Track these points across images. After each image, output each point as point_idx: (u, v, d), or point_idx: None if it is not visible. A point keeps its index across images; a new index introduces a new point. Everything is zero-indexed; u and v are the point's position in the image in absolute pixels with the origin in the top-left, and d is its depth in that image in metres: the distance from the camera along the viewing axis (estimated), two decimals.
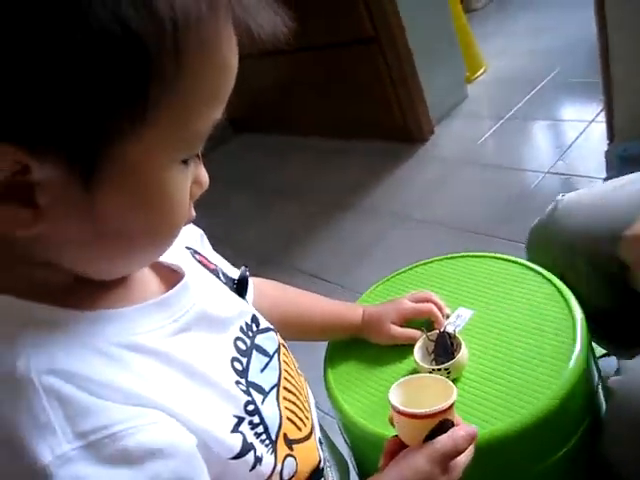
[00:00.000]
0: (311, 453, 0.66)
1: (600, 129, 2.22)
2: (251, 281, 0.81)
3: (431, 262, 1.04)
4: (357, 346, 0.92)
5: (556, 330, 0.79)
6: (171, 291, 0.54)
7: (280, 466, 0.58)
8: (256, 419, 0.56)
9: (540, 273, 0.90)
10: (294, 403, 0.65)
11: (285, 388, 0.64)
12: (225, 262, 0.75)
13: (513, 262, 0.94)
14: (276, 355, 0.65)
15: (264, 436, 0.57)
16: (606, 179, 1.91)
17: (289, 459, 0.60)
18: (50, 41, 0.34)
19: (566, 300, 0.83)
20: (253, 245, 2.60)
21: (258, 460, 0.54)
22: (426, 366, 0.79)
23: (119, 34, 0.35)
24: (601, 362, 0.89)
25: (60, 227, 0.42)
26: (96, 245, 0.45)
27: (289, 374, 0.67)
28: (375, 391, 0.83)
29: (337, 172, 2.89)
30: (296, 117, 3.40)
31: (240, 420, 0.54)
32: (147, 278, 0.56)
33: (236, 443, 0.52)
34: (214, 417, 0.51)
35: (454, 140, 2.72)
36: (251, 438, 0.54)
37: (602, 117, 2.20)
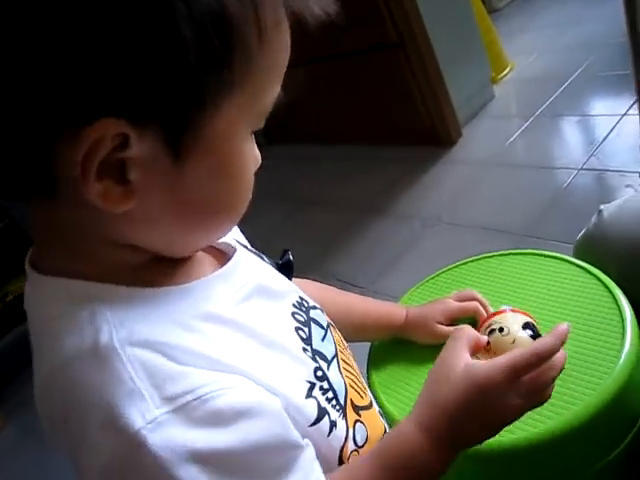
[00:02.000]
0: (376, 420, 0.67)
1: (633, 122, 2.18)
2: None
3: (467, 262, 1.03)
4: (401, 347, 0.91)
5: (605, 327, 0.77)
6: (229, 264, 0.55)
7: (352, 431, 0.59)
8: (325, 384, 0.57)
9: (586, 269, 0.87)
10: (352, 374, 0.65)
11: (342, 360, 0.65)
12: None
13: (557, 259, 0.92)
14: (330, 328, 0.66)
15: (334, 401, 0.57)
16: None
17: (359, 425, 0.61)
18: (150, 10, 0.36)
19: (614, 296, 0.80)
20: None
21: (333, 425, 0.55)
22: None
23: (213, 7, 0.38)
24: None
25: (146, 203, 0.43)
26: (177, 220, 0.46)
27: (342, 348, 0.68)
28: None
29: (367, 178, 2.89)
30: (324, 126, 3.41)
31: (312, 385, 0.55)
32: (202, 257, 0.57)
33: (312, 409, 0.53)
34: (291, 382, 0.52)
35: (483, 141, 2.70)
36: (324, 403, 0.55)
37: (635, 110, 2.16)
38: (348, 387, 0.61)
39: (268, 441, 0.45)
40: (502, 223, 2.09)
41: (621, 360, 0.72)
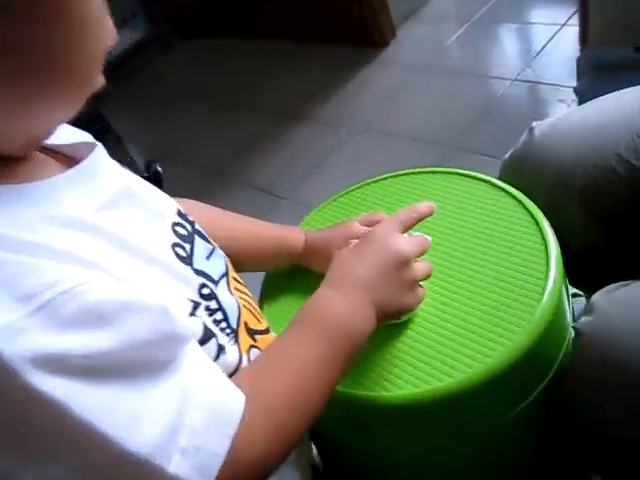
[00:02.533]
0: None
1: (572, 34, 2.07)
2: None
3: (384, 179, 0.90)
4: (298, 277, 0.79)
5: (526, 261, 0.68)
6: (87, 159, 0.47)
7: (246, 357, 0.54)
8: (213, 304, 0.52)
9: (511, 194, 0.76)
10: (247, 294, 0.62)
11: (234, 279, 0.60)
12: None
13: (483, 181, 0.81)
14: (218, 248, 0.61)
15: (224, 324, 0.52)
16: (577, 88, 1.79)
17: (254, 350, 0.56)
18: None
19: (540, 228, 0.70)
20: (201, 159, 2.45)
21: (221, 349, 0.50)
22: None
23: None
24: None
25: None
26: (14, 90, 0.37)
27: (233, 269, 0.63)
28: None
29: (290, 78, 2.70)
30: (244, 18, 3.14)
31: (196, 305, 0.49)
32: (46, 160, 0.48)
33: (197, 327, 0.48)
34: (168, 296, 0.46)
35: (417, 44, 2.53)
36: (210, 325, 0.50)
37: (575, 20, 2.05)
38: (241, 308, 0.56)
39: (151, 338, 0.39)
40: (432, 133, 1.98)
41: (543, 301, 0.63)
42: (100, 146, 0.51)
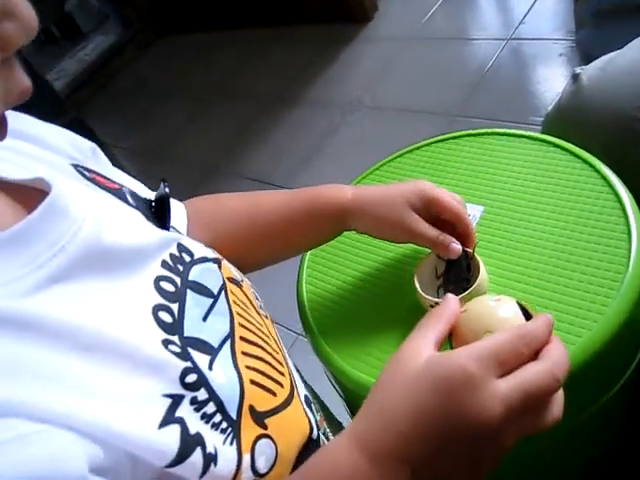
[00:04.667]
0: (297, 422, 0.48)
1: None
2: (181, 206, 0.61)
3: (416, 149, 0.81)
4: (337, 268, 0.71)
5: (602, 230, 0.60)
6: (27, 218, 0.36)
7: (249, 457, 0.41)
8: (202, 394, 0.39)
9: (573, 153, 0.68)
10: (260, 358, 0.47)
11: (243, 338, 0.46)
12: (135, 181, 0.56)
13: (528, 138, 0.72)
14: (223, 294, 0.47)
15: (218, 417, 0.40)
16: (578, 39, 1.71)
17: (263, 442, 0.43)
18: None
19: (614, 190, 0.61)
20: (192, 156, 2.37)
21: (211, 458, 0.38)
22: (429, 298, 0.59)
23: None
24: None
25: None
26: None
27: (246, 317, 0.48)
28: (369, 330, 0.64)
29: (274, 64, 2.61)
30: (221, 9, 3.04)
31: (176, 400, 0.37)
32: None
33: (170, 442, 0.36)
34: (128, 409, 0.35)
35: (401, 15, 2.44)
36: (196, 426, 0.38)
37: None
38: (247, 386, 0.43)
39: None
40: (431, 103, 1.90)
41: (627, 276, 0.55)
42: (58, 186, 0.39)
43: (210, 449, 0.38)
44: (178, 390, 0.38)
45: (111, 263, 0.40)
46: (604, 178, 0.63)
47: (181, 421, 0.37)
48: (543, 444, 0.59)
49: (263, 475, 0.42)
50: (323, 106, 2.21)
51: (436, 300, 0.58)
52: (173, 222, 0.53)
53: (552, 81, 1.75)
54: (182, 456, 0.36)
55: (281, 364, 0.49)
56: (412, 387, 0.38)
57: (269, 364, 0.47)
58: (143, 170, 2.52)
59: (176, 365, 0.38)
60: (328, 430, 0.56)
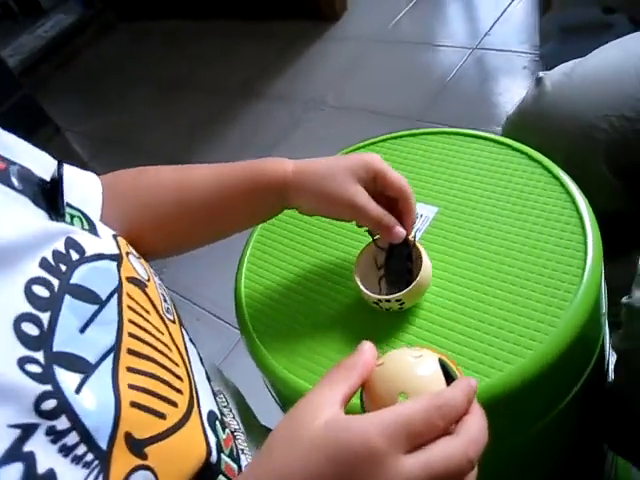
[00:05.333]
0: (190, 447, 0.42)
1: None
2: (97, 181, 0.55)
3: (373, 144, 0.79)
4: (278, 263, 0.68)
5: (559, 239, 0.58)
6: None
7: None
8: (63, 423, 0.33)
9: (532, 157, 0.66)
10: (151, 375, 0.41)
11: (132, 352, 0.40)
12: (36, 154, 0.48)
13: (490, 140, 0.70)
14: (114, 298, 0.41)
15: (82, 449, 0.34)
16: (542, 53, 1.72)
17: (139, 475, 0.37)
18: None
19: (572, 198, 0.60)
20: (155, 145, 2.30)
21: None
22: (372, 295, 0.56)
23: None
24: None
25: None
26: None
27: (142, 325, 0.43)
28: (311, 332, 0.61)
29: (240, 58, 2.57)
30: None
31: (27, 431, 0.31)
32: None
33: None
34: None
35: (370, 16, 2.43)
36: (50, 461, 0.32)
37: None
38: (125, 410, 0.37)
39: None
40: (393, 106, 1.89)
41: (581, 289, 0.53)
42: None
43: None
44: (30, 419, 0.32)
45: None
46: (563, 185, 0.62)
47: (29, 457, 0.31)
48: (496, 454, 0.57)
49: None
50: (286, 101, 2.18)
51: (379, 297, 0.56)
52: (83, 202, 0.48)
53: (514, 92, 1.76)
54: None
55: (180, 379, 0.44)
56: (308, 452, 0.33)
57: (163, 381, 0.42)
58: (96, 156, 2.44)
59: (31, 389, 0.32)
60: (241, 447, 0.52)
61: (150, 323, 0.43)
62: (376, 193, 0.56)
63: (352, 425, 0.33)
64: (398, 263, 0.60)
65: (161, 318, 0.46)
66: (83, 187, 0.53)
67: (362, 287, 0.57)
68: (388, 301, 0.55)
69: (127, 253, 0.46)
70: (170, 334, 0.46)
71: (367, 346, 0.39)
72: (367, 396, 0.38)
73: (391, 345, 0.56)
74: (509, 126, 0.77)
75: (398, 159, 0.74)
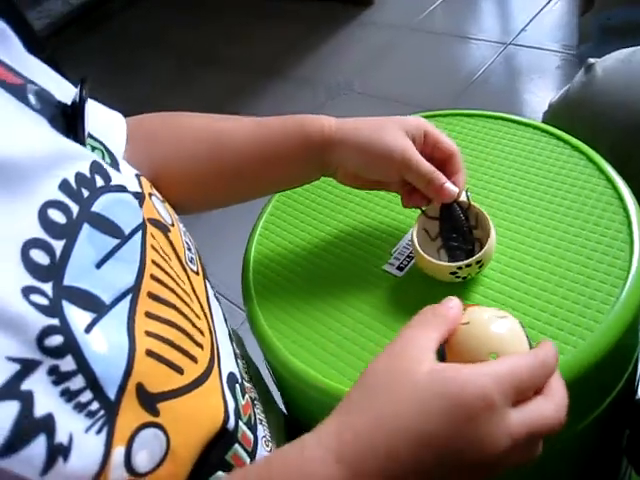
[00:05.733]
0: (206, 409, 0.39)
1: None
2: (122, 120, 0.52)
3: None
4: (296, 232, 0.63)
5: (602, 236, 0.53)
6: None
7: (123, 451, 0.32)
8: (68, 364, 0.30)
9: (576, 147, 0.61)
10: (172, 323, 0.38)
11: (153, 295, 0.37)
12: (59, 80, 0.44)
13: (531, 126, 0.65)
14: (138, 235, 0.38)
15: (87, 396, 0.31)
16: (579, 53, 1.66)
17: (148, 433, 0.34)
18: None
19: (618, 192, 0.55)
20: None
21: (58, 452, 0.29)
22: (448, 264, 0.51)
23: None
24: None
25: None
26: None
27: (165, 269, 0.39)
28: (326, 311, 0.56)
29: (268, 36, 2.52)
30: None
31: (27, 367, 0.28)
32: None
33: None
34: None
35: (402, 5, 2.37)
36: (49, 405, 0.29)
37: None
38: (139, 358, 0.34)
39: None
40: (419, 97, 1.84)
41: (626, 289, 0.49)
42: None
43: (61, 438, 0.29)
44: (32, 354, 0.29)
45: None
46: (608, 179, 0.57)
47: (26, 397, 0.28)
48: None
49: (144, 475, 0.33)
50: (311, 84, 2.13)
51: (459, 264, 0.50)
52: (105, 136, 0.44)
53: (545, 92, 1.71)
54: (12, 447, 0.27)
55: (201, 333, 0.41)
56: (420, 402, 0.31)
57: (183, 331, 0.38)
58: None
59: (35, 321, 0.29)
60: (259, 417, 0.48)
61: (172, 269, 0.40)
62: (424, 155, 0.52)
63: (467, 375, 0.31)
64: (454, 229, 0.54)
65: (182, 267, 0.43)
66: (106, 121, 0.49)
67: (435, 261, 0.52)
68: (468, 265, 0.50)
69: (150, 194, 0.43)
70: (192, 284, 0.43)
71: (455, 302, 0.38)
72: (451, 351, 0.37)
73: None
74: (551, 114, 0.73)
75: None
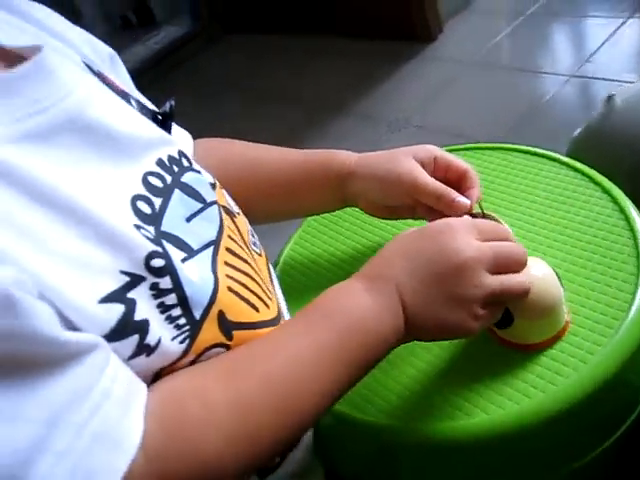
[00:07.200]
0: None
1: (634, 29, 1.92)
2: (188, 138, 0.61)
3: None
4: (324, 256, 0.66)
5: (612, 268, 0.54)
6: (15, 70, 0.36)
7: (193, 359, 0.40)
8: (166, 282, 0.38)
9: (589, 176, 0.62)
10: (245, 273, 0.45)
11: (230, 250, 0.45)
12: (145, 99, 0.55)
13: (552, 159, 0.66)
14: (215, 206, 0.47)
15: (177, 311, 0.38)
16: None
17: (216, 350, 0.41)
18: None
19: (628, 219, 0.56)
20: None
21: (144, 350, 0.36)
22: None
23: None
24: None
25: None
26: None
27: (236, 241, 0.48)
28: None
29: (332, 72, 2.60)
30: (288, 14, 3.06)
31: (134, 280, 0.36)
32: None
33: (103, 320, 0.35)
34: (72, 272, 0.34)
35: (465, 39, 2.39)
36: (147, 312, 0.37)
37: (638, 15, 1.90)
38: (222, 290, 0.41)
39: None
40: (478, 131, 1.84)
41: (631, 314, 0.49)
42: (48, 49, 0.39)
43: (150, 340, 0.36)
44: (139, 271, 0.36)
45: (103, 143, 0.40)
46: (623, 211, 0.58)
47: (130, 303, 0.36)
48: None
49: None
50: (372, 119, 2.18)
51: None
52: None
53: None
54: (111, 338, 0.35)
55: (270, 293, 0.48)
56: (404, 236, 0.47)
57: (254, 281, 0.46)
58: None
59: (143, 246, 0.37)
60: None
61: (241, 242, 0.48)
62: (437, 178, 0.57)
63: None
64: None
65: (248, 249, 0.50)
66: (180, 136, 0.59)
67: None
68: None
69: (221, 187, 0.52)
70: (256, 263, 0.49)
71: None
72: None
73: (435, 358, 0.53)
74: (573, 145, 0.73)
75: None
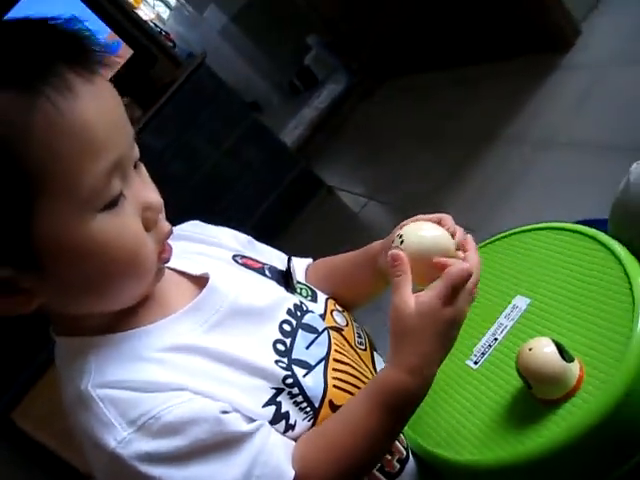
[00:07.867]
0: None
1: None
2: (303, 263, 0.86)
3: (497, 240, 0.91)
4: None
5: (611, 323, 0.65)
6: (197, 298, 0.64)
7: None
8: (295, 390, 0.63)
9: (613, 252, 0.70)
10: (347, 373, 0.68)
11: (336, 360, 0.69)
12: (277, 255, 0.82)
13: (577, 232, 0.76)
14: (325, 332, 0.70)
15: (304, 404, 0.63)
16: None
17: None
18: None
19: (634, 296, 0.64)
20: (411, 197, 2.48)
21: (290, 427, 0.61)
22: None
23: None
24: None
25: (47, 298, 0.56)
26: (85, 298, 0.58)
27: (343, 348, 0.71)
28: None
29: (480, 102, 2.63)
30: (430, 53, 3.18)
31: (278, 392, 0.62)
32: (177, 290, 0.66)
33: (266, 415, 0.60)
34: (244, 391, 0.60)
35: (606, 38, 2.27)
36: (288, 407, 0.62)
37: None
38: (330, 388, 0.65)
39: (209, 438, 0.55)
40: (630, 139, 1.74)
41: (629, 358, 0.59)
42: (214, 273, 0.66)
43: (292, 421, 0.62)
44: (280, 385, 0.62)
45: (247, 316, 0.65)
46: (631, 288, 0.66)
47: (278, 404, 0.61)
48: None
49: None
50: (515, 143, 2.21)
51: None
52: (299, 276, 0.79)
53: None
54: (271, 423, 0.60)
55: (366, 379, 0.70)
56: (413, 327, 0.59)
57: (355, 376, 0.69)
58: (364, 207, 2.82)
59: (281, 373, 0.63)
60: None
61: (346, 351, 0.71)
62: None
63: (424, 303, 0.59)
64: None
65: (353, 349, 0.73)
66: (299, 267, 0.83)
67: None
68: None
69: (332, 311, 0.76)
70: (361, 359, 0.73)
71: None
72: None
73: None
74: (611, 214, 0.78)
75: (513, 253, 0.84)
